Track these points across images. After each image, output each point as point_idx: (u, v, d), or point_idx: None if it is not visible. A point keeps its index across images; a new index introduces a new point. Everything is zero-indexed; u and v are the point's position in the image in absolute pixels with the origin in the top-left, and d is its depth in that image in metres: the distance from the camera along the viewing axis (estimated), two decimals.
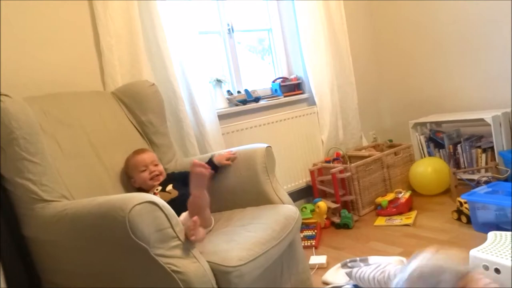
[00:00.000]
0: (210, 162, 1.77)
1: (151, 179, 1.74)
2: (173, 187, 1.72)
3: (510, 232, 1.63)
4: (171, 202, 1.46)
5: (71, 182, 1.51)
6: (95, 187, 1.61)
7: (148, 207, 1.14)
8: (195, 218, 1.27)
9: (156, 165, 1.78)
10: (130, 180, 1.77)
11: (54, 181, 1.42)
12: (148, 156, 1.78)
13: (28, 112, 1.40)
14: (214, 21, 2.76)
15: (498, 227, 1.99)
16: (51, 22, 1.95)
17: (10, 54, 1.82)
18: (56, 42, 1.97)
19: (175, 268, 1.15)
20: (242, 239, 1.36)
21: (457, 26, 2.99)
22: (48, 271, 1.44)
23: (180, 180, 1.79)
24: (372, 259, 1.94)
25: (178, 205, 1.42)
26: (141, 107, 1.95)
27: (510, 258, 1.45)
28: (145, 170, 1.74)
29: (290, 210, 1.63)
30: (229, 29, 2.79)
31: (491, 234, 1.65)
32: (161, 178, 1.77)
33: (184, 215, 1.48)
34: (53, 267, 1.41)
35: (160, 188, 1.73)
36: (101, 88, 2.09)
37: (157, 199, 1.18)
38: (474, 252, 1.55)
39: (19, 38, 1.86)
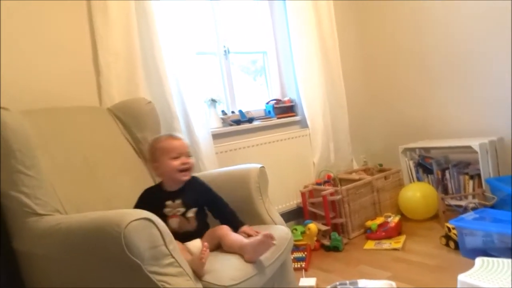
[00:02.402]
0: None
1: (181, 171, 1.54)
2: (194, 213, 1.56)
3: (496, 259, 1.66)
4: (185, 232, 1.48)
5: (64, 197, 1.51)
6: (87, 203, 1.59)
7: (144, 223, 1.14)
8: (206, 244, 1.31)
9: (189, 156, 1.59)
10: (152, 163, 1.61)
11: (48, 195, 1.42)
12: (184, 145, 1.59)
13: (25, 125, 1.42)
14: (211, 42, 2.81)
15: (486, 253, 2.02)
16: (50, 36, 1.97)
17: (8, 66, 1.82)
18: (55, 56, 1.99)
19: (168, 286, 1.15)
20: (235, 259, 1.37)
21: (447, 54, 3.08)
22: (37, 286, 1.41)
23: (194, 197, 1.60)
24: (361, 282, 1.95)
25: (190, 236, 1.46)
26: (138, 124, 1.96)
27: (496, 284, 1.47)
28: (177, 158, 1.54)
29: (282, 231, 1.65)
30: (225, 51, 2.84)
31: (479, 260, 1.68)
32: (190, 174, 1.59)
33: (196, 244, 1.48)
34: (43, 282, 1.39)
35: (182, 210, 1.53)
36: (97, 103, 2.10)
37: (152, 216, 1.18)
38: (462, 277, 1.57)
39: (18, 50, 1.87)
